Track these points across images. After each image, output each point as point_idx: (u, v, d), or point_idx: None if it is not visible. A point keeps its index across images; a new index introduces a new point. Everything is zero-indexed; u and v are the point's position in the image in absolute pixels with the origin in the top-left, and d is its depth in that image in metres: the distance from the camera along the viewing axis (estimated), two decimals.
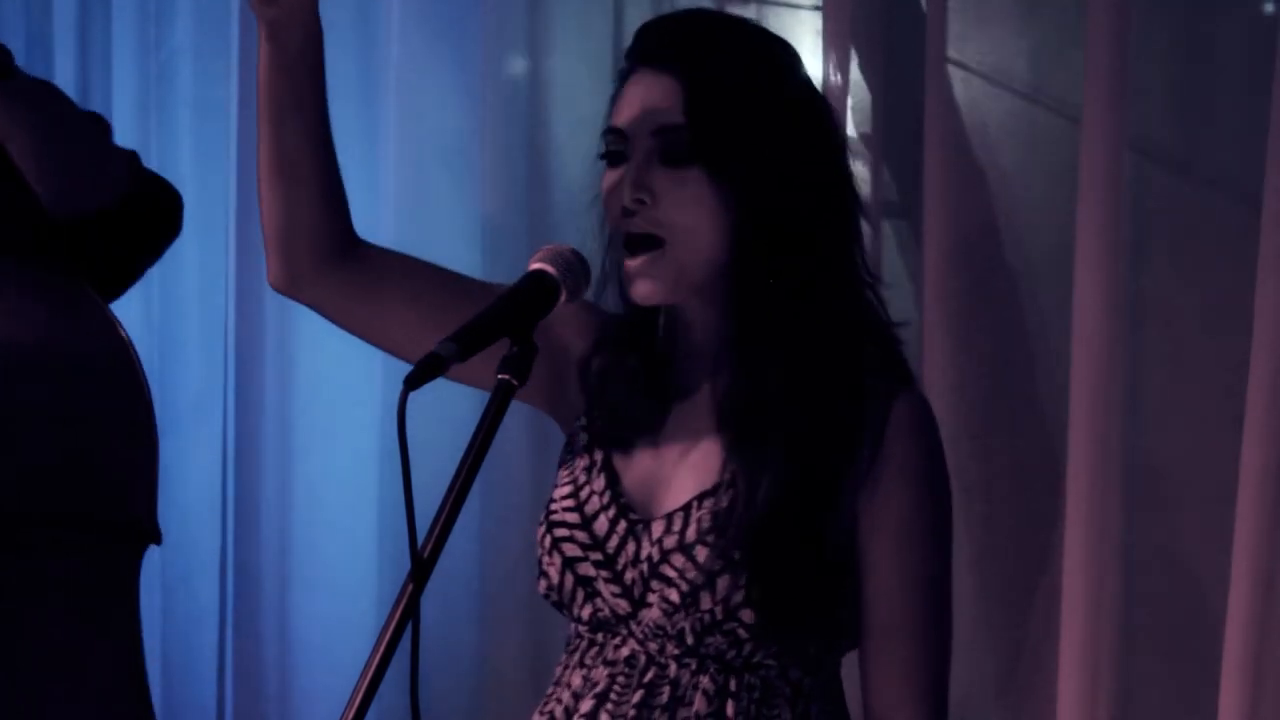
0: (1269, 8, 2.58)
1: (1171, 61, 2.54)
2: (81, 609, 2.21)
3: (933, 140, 2.69)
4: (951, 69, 2.67)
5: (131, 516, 2.23)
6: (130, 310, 3.54)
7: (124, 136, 3.61)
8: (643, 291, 2.06)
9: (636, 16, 2.91)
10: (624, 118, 2.06)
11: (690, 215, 2.03)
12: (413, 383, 1.81)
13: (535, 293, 1.95)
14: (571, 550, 2.10)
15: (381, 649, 1.75)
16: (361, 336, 2.21)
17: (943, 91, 2.68)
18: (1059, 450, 2.61)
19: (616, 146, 2.06)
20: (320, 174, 2.12)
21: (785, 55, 2.10)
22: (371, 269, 2.17)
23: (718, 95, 2.02)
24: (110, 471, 2.23)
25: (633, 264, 2.05)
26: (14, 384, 2.15)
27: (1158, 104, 2.54)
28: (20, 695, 2.16)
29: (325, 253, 2.13)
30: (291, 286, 2.16)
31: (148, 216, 2.38)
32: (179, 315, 3.59)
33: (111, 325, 2.24)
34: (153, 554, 3.58)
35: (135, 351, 2.25)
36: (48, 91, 2.34)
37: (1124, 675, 2.58)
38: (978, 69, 2.67)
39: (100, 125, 2.43)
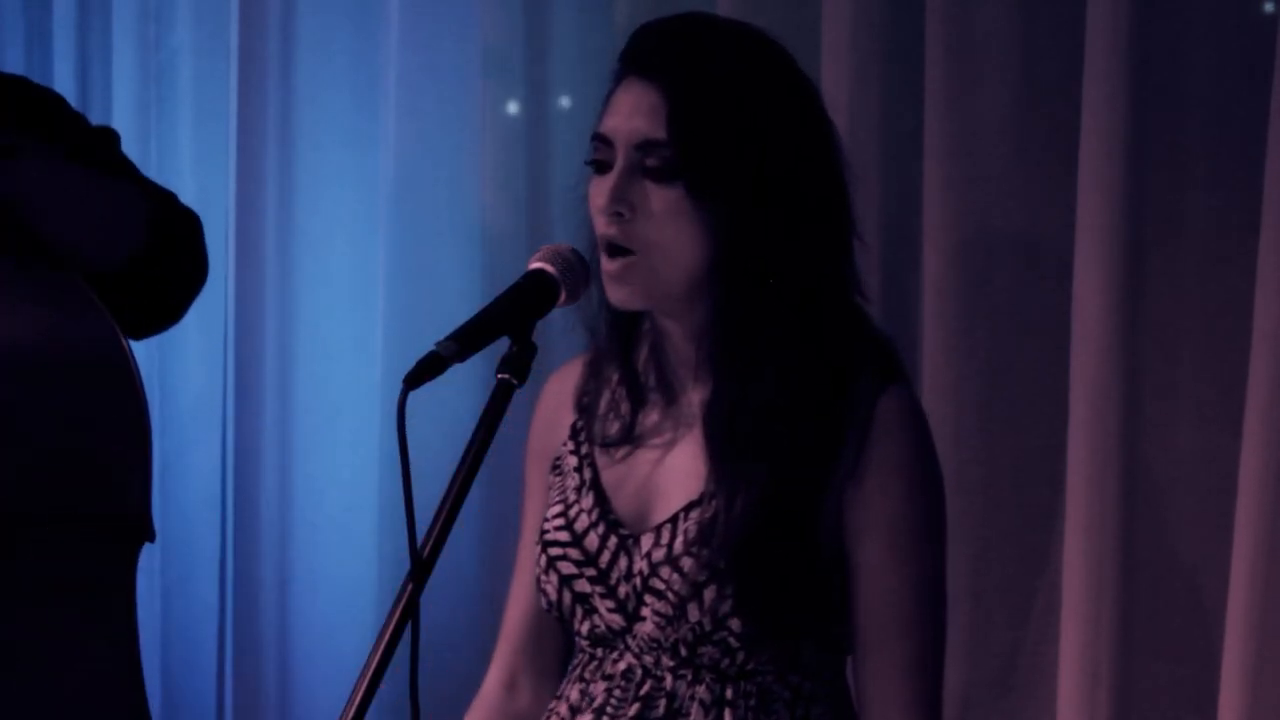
0: (1269, 8, 2.58)
1: (1171, 61, 2.54)
2: (79, 609, 2.21)
3: (932, 140, 2.69)
4: (952, 68, 2.67)
5: (128, 513, 2.23)
6: None
7: (124, 137, 3.62)
8: (618, 297, 2.05)
9: (635, 15, 2.90)
10: (610, 126, 2.04)
11: (669, 232, 2.01)
12: (412, 382, 1.81)
13: (535, 292, 1.95)
14: (567, 568, 2.09)
15: (381, 649, 1.75)
16: None
17: (943, 91, 2.68)
18: (1059, 450, 2.60)
19: (602, 155, 2.05)
20: None
21: (779, 64, 2.06)
22: (554, 660, 2.25)
23: (702, 113, 2.00)
24: (106, 468, 2.23)
25: (610, 267, 2.04)
26: (10, 383, 2.15)
27: (1158, 104, 2.54)
28: (15, 695, 2.16)
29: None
30: None
31: (162, 272, 2.36)
32: None
33: (106, 322, 2.24)
34: (153, 555, 3.60)
35: (130, 348, 2.25)
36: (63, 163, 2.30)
37: (1124, 675, 2.57)
38: (977, 68, 2.67)
39: (110, 138, 2.39)
